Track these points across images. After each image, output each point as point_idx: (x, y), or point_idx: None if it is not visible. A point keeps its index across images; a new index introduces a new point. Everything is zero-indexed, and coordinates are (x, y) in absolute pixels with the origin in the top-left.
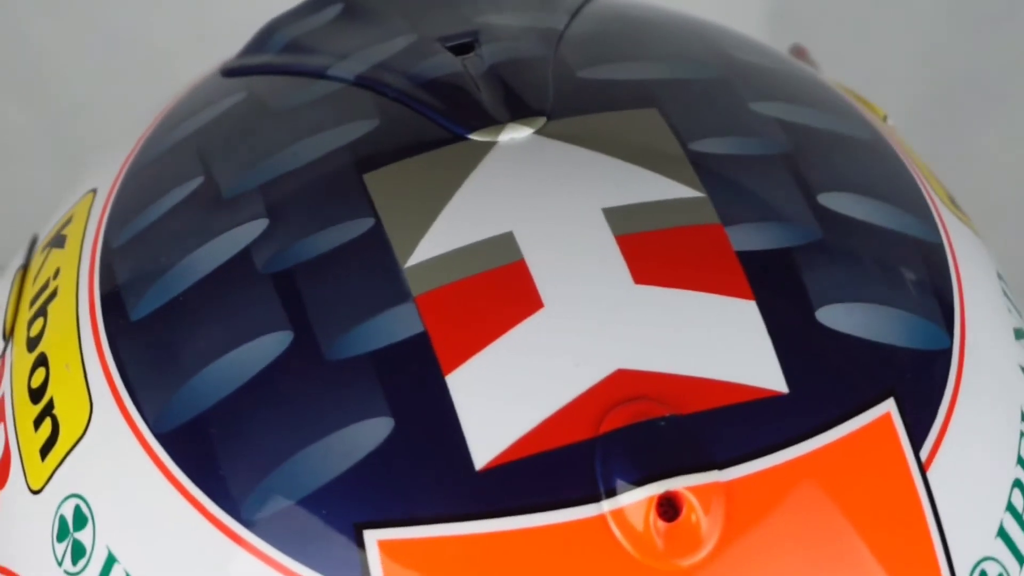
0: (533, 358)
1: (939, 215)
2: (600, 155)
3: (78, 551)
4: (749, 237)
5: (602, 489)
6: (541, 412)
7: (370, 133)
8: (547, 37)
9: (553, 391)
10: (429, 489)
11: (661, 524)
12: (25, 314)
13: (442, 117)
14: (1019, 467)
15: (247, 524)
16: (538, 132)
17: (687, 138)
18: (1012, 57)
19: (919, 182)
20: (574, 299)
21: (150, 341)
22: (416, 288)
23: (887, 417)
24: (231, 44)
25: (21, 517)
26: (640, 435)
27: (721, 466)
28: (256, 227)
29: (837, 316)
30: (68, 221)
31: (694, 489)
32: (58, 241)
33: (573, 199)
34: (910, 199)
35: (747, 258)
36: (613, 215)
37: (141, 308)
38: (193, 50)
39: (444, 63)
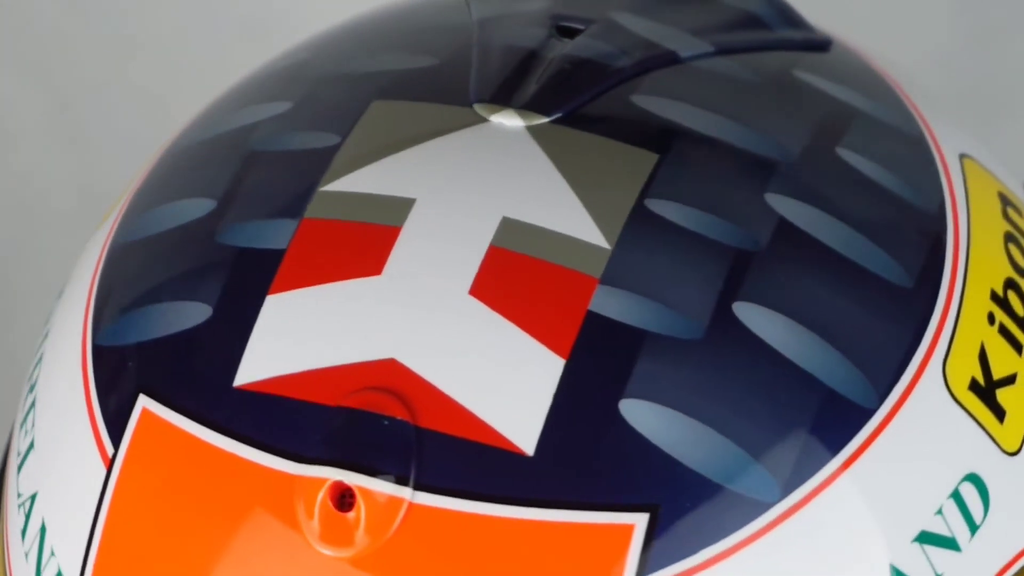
0: (336, 314)
1: (908, 390)
2: (554, 171)
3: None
4: (615, 304)
5: (303, 450)
6: (309, 363)
7: (422, 68)
8: (651, 54)
9: (329, 350)
10: (197, 385)
11: (327, 508)
12: None
13: (475, 79)
14: None
15: (92, 348)
16: (529, 128)
17: (655, 193)
18: (1016, 67)
19: (923, 355)
20: (406, 281)
21: (160, 169)
22: (311, 211)
23: (627, 528)
24: (242, 30)
25: None
26: (360, 422)
27: (418, 487)
28: (278, 108)
29: (643, 413)
30: None
31: (372, 493)
32: None
33: (487, 196)
34: (871, 358)
35: (594, 320)
36: (508, 226)
37: (183, 140)
38: (204, 34)
39: (529, 36)
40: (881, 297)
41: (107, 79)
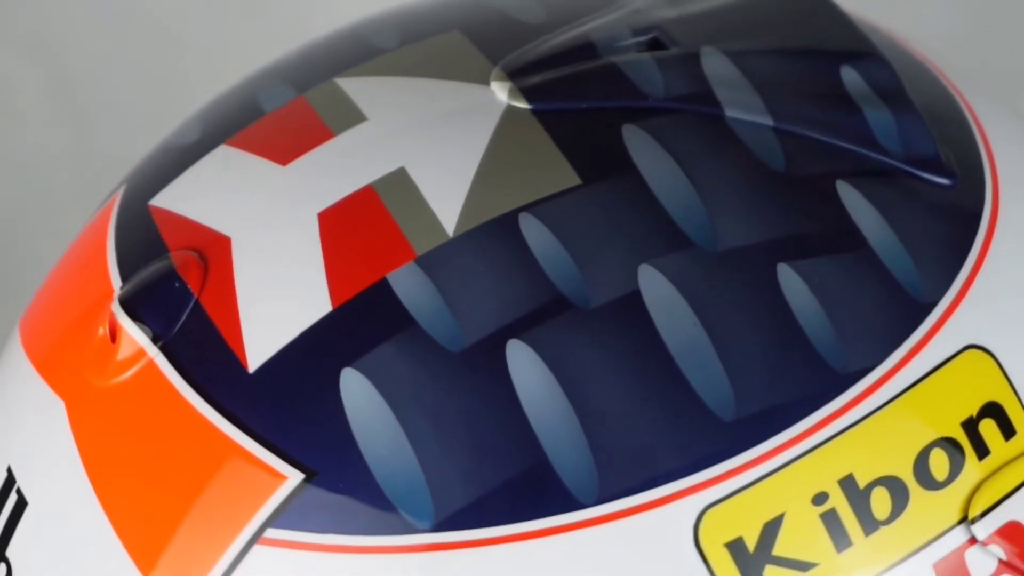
0: (234, 180)
1: (635, 510)
2: (481, 150)
3: None
4: (408, 285)
5: (121, 278)
6: (188, 210)
7: (521, 22)
8: (695, 96)
9: (204, 207)
10: (138, 192)
11: (103, 333)
12: None
13: (526, 47)
14: None
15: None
16: (508, 107)
17: (537, 211)
18: (1017, 51)
19: (682, 488)
20: (290, 181)
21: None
22: (309, 93)
23: (280, 478)
24: (245, 7)
25: None
26: (160, 274)
27: (164, 351)
28: (415, 6)
29: (357, 387)
30: None
31: (129, 337)
32: None
33: (407, 143)
34: (618, 461)
35: (380, 289)
36: (396, 176)
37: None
38: (200, 14)
39: (615, 33)
40: (680, 413)
41: (109, 56)
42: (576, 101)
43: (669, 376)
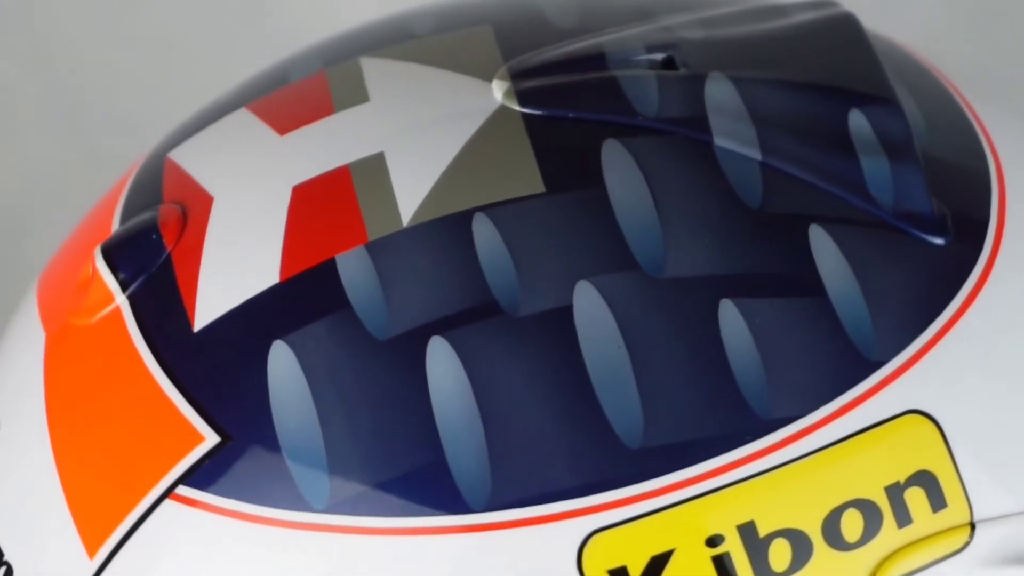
0: (233, 142)
1: (522, 522)
2: (460, 146)
3: None
4: (354, 268)
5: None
6: (190, 166)
7: (550, 24)
8: (685, 121)
9: (203, 165)
10: (166, 144)
11: (87, 275)
12: None
13: (537, 51)
14: None
15: None
16: (500, 107)
17: (492, 213)
18: (1012, 52)
19: (571, 509)
20: (281, 153)
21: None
22: (331, 69)
23: (199, 437)
24: (244, 15)
25: None
26: (143, 224)
27: (130, 300)
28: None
29: (283, 361)
30: None
31: (102, 281)
32: None
33: (393, 129)
34: (512, 469)
35: (327, 268)
36: (373, 160)
37: None
38: (200, 18)
39: (628, 47)
40: (584, 434)
41: (108, 66)
42: (565, 110)
43: (581, 395)
